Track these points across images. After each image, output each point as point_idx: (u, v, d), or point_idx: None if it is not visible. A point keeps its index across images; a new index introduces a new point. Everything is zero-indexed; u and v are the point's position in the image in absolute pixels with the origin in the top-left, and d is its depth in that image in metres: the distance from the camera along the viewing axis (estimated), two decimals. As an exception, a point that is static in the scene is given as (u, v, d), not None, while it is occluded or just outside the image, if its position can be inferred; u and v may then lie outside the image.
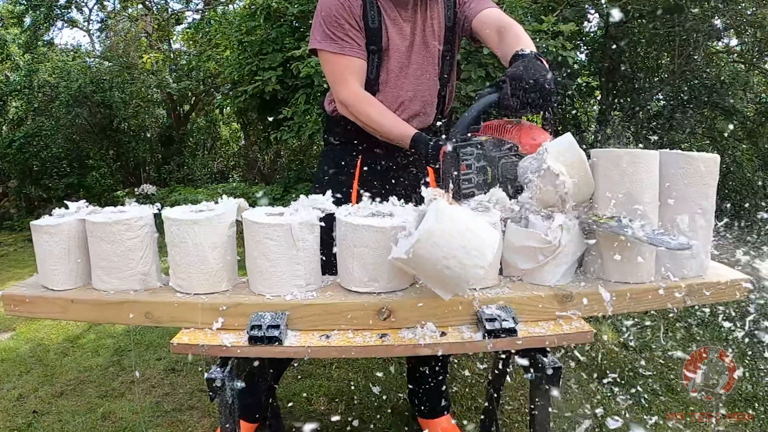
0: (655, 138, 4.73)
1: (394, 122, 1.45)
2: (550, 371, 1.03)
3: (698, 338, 2.60)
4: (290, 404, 2.14)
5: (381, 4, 1.51)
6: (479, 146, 1.23)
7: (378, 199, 1.22)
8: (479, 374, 2.36)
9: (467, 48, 3.37)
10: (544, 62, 1.26)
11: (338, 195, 1.25)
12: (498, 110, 1.30)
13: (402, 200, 1.21)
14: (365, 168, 1.62)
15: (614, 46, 4.67)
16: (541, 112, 1.25)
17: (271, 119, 4.58)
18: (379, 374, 2.38)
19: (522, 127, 1.26)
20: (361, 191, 1.32)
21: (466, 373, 2.36)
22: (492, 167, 1.23)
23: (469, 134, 1.30)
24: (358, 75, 1.51)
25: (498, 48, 1.45)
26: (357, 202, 1.27)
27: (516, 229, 1.10)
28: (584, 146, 1.07)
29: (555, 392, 1.05)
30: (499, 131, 1.31)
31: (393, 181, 1.62)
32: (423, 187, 1.13)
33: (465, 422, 2.00)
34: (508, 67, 1.29)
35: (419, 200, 1.15)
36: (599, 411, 2.00)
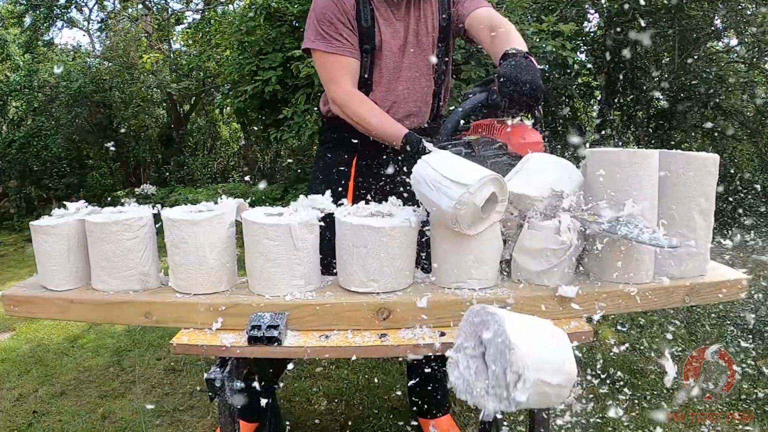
0: (655, 138, 4.72)
1: (386, 122, 1.45)
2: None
3: (698, 338, 2.60)
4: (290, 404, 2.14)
5: (374, 3, 1.51)
6: (467, 145, 1.23)
7: (372, 195, 1.22)
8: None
9: (467, 48, 3.36)
10: (534, 61, 1.26)
11: (334, 195, 1.25)
12: (487, 109, 1.29)
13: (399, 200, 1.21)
14: (360, 168, 1.62)
15: (614, 46, 4.67)
16: (531, 111, 1.25)
17: (269, 119, 4.58)
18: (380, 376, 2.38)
19: (512, 127, 1.26)
20: (356, 183, 1.31)
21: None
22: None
23: (458, 134, 1.29)
24: (351, 74, 1.51)
25: (489, 47, 1.46)
26: (353, 202, 1.27)
27: (532, 232, 1.08)
28: (584, 146, 1.07)
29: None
30: (489, 130, 1.30)
31: (388, 180, 1.62)
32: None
33: (465, 422, 2.00)
34: (498, 66, 1.29)
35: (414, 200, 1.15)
36: (598, 411, 2.00)
